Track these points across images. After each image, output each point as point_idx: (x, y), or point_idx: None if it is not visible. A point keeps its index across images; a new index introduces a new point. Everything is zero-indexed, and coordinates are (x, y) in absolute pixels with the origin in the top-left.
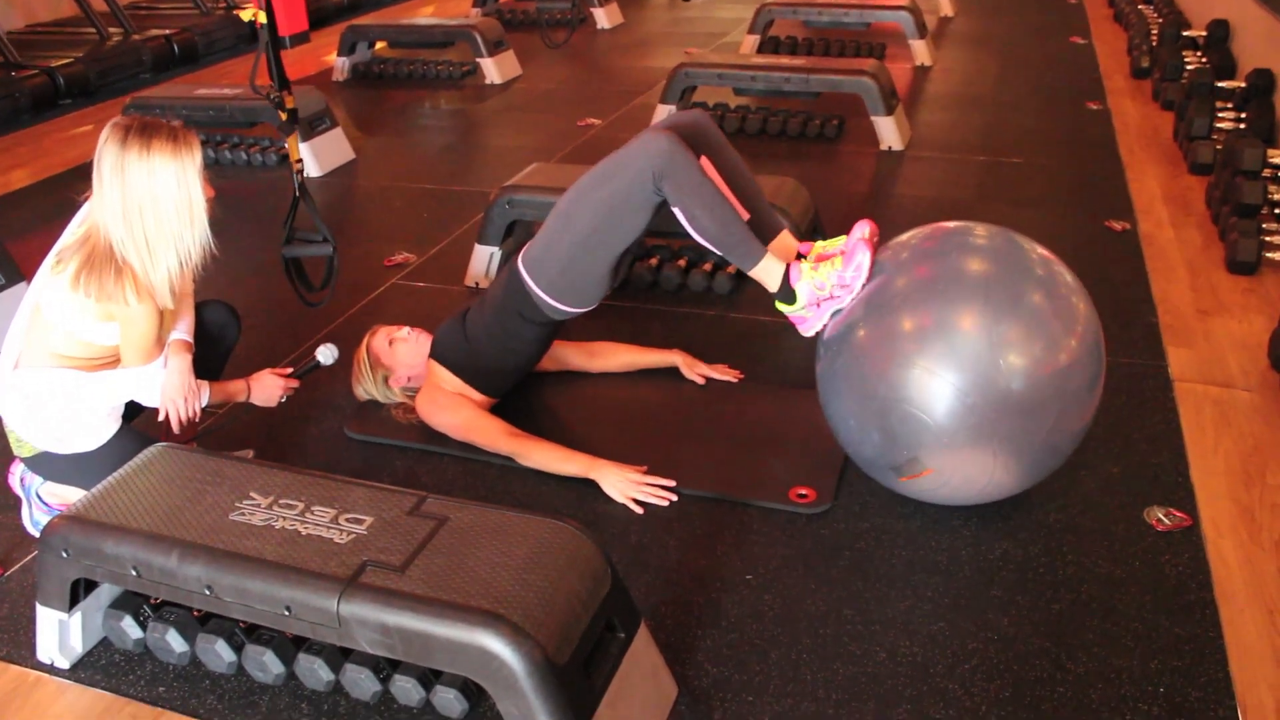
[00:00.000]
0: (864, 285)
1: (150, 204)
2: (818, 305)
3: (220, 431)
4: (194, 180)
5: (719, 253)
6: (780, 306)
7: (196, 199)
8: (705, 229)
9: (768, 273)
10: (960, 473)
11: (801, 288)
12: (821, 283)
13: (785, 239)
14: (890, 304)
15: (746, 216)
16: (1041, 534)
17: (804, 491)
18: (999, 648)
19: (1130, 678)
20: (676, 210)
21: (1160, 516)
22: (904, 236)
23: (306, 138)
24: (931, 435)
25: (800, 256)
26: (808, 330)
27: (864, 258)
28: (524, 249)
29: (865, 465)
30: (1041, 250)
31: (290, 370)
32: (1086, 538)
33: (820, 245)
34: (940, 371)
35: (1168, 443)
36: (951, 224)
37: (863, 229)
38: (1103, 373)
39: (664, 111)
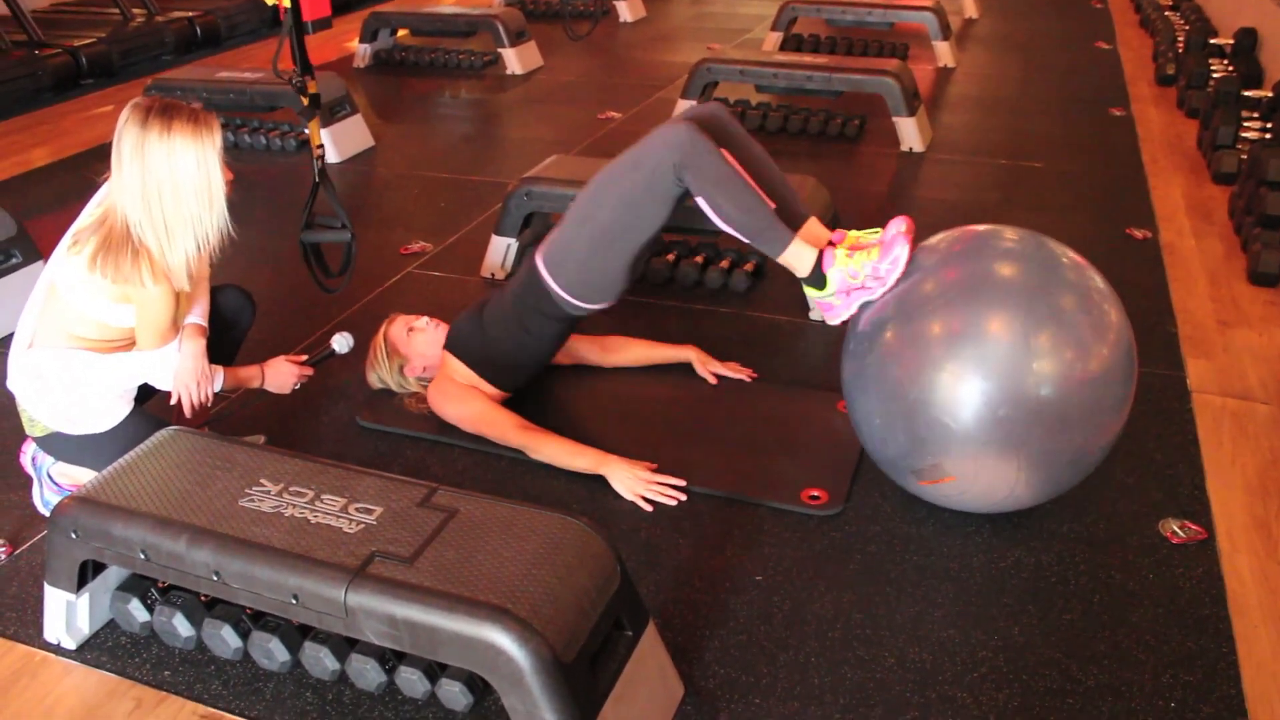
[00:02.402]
0: (898, 280)
1: (170, 186)
2: (847, 294)
3: (232, 417)
4: (214, 163)
5: (746, 240)
6: (809, 291)
7: (216, 182)
8: (730, 216)
9: (797, 257)
10: (982, 483)
11: (834, 274)
12: (855, 271)
13: (814, 226)
14: (927, 306)
15: (773, 206)
16: (1054, 543)
17: (816, 493)
18: (1009, 657)
19: (1141, 691)
20: (700, 200)
21: (1175, 529)
22: (937, 238)
23: (326, 124)
24: (959, 443)
25: (831, 244)
26: (834, 318)
27: (902, 251)
28: (542, 244)
29: (884, 465)
30: (1075, 256)
31: (305, 357)
32: (1100, 548)
33: (855, 235)
34: (973, 379)
35: (1184, 454)
36: (988, 227)
37: (899, 224)
38: (1134, 389)
39: (685, 106)
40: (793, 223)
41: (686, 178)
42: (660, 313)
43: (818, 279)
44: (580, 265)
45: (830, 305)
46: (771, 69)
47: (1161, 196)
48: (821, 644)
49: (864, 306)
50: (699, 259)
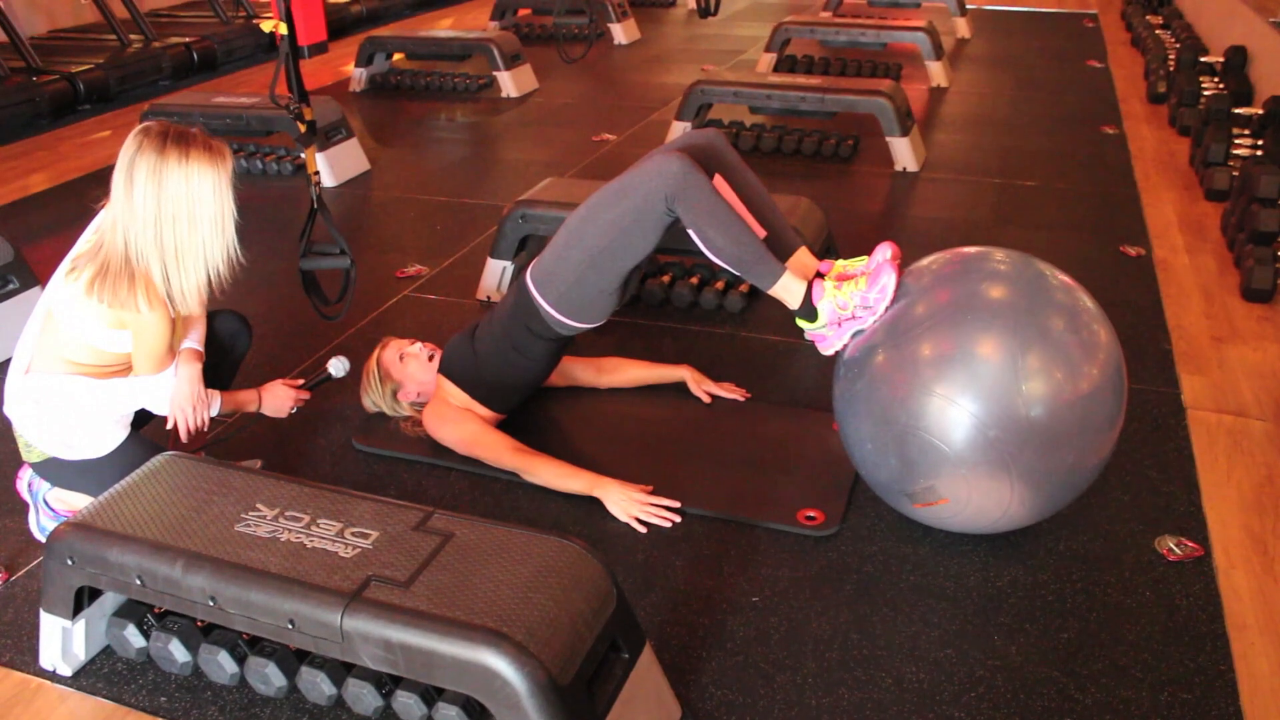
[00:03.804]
0: (888, 308)
1: (185, 212)
2: (839, 325)
3: (229, 441)
4: (228, 190)
5: (736, 272)
6: (801, 324)
7: (229, 209)
8: (720, 249)
9: (787, 291)
10: (976, 504)
11: (824, 306)
12: (844, 302)
13: (803, 256)
14: (915, 330)
15: (763, 234)
16: (1051, 562)
17: (812, 514)
18: (1006, 676)
19: (1139, 710)
20: (691, 232)
21: (1171, 546)
22: (926, 261)
23: (322, 148)
24: (950, 466)
25: (819, 275)
26: (827, 349)
27: (889, 279)
28: (532, 264)
29: (879, 489)
30: (1064, 278)
31: (301, 382)
32: (1096, 566)
33: (841, 264)
34: (962, 402)
35: (1180, 471)
36: (976, 249)
37: (885, 251)
38: (1124, 407)
39: (679, 128)
40: (783, 252)
41: (678, 209)
42: (655, 334)
43: (808, 311)
44: (570, 285)
45: (823, 337)
46: (765, 90)
47: (1154, 213)
48: (819, 665)
49: (855, 335)
50: (694, 280)
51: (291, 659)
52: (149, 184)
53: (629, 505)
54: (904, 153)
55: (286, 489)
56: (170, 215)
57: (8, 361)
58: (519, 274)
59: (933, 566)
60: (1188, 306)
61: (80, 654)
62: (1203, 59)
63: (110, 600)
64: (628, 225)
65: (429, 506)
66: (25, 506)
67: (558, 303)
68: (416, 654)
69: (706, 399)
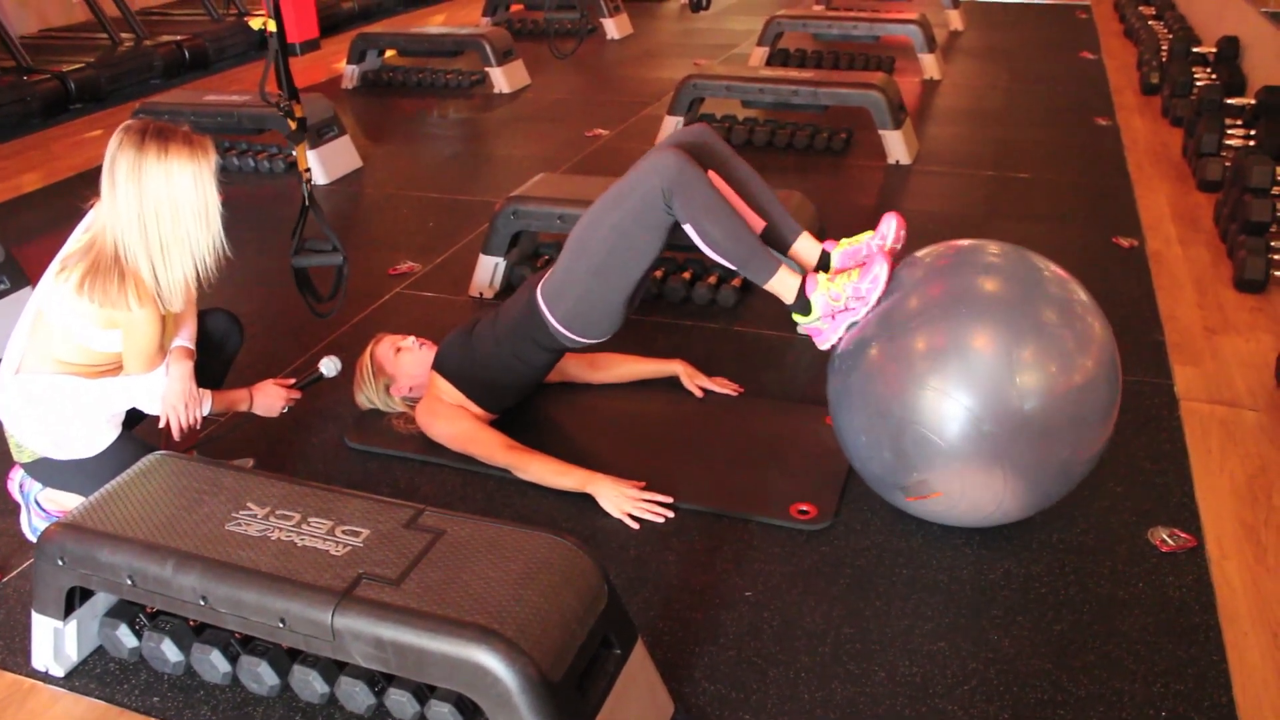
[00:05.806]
0: (880, 298)
1: (168, 207)
2: (833, 317)
3: (221, 440)
4: (210, 184)
5: (733, 267)
6: (796, 318)
7: (213, 202)
8: (717, 243)
9: (783, 285)
10: (969, 498)
11: (817, 299)
12: (837, 294)
13: (806, 242)
14: (908, 323)
15: (763, 225)
16: (1044, 554)
17: (805, 508)
18: (999, 669)
19: (1132, 701)
20: (688, 227)
21: (1164, 537)
22: (920, 254)
23: (314, 145)
24: (944, 460)
25: (825, 256)
26: (823, 343)
27: (881, 270)
28: (543, 279)
29: (872, 482)
30: (1059, 270)
31: (293, 381)
32: (1089, 558)
33: (846, 242)
34: (956, 395)
35: (1173, 462)
36: (970, 242)
37: (890, 223)
38: (1118, 398)
39: (672, 123)
40: (786, 238)
41: (675, 204)
42: (649, 329)
43: (803, 305)
44: (578, 299)
45: (818, 330)
46: (758, 84)
47: (1147, 205)
48: (812, 659)
49: (850, 327)
50: (686, 274)
51: (284, 657)
52: (129, 181)
53: (621, 501)
54: (897, 146)
55: (277, 487)
56: (153, 211)
57: None
58: (527, 284)
59: (926, 560)
60: (1180, 297)
61: (72, 654)
62: (1195, 50)
63: (102, 601)
64: (629, 228)
65: (420, 504)
66: (16, 507)
67: (565, 317)
68: (408, 652)
69: (700, 394)
